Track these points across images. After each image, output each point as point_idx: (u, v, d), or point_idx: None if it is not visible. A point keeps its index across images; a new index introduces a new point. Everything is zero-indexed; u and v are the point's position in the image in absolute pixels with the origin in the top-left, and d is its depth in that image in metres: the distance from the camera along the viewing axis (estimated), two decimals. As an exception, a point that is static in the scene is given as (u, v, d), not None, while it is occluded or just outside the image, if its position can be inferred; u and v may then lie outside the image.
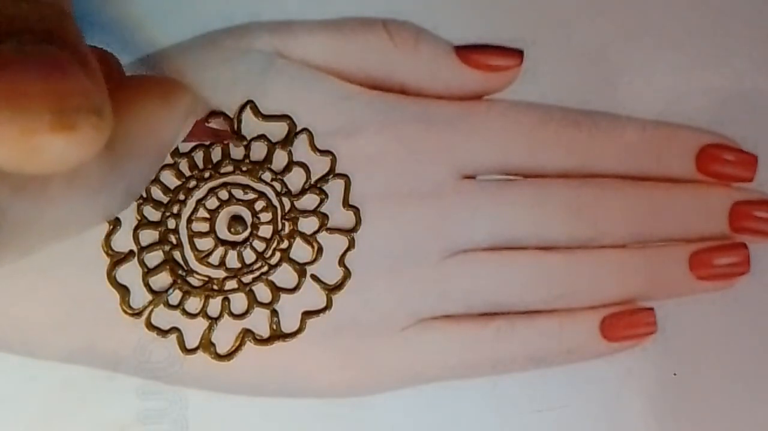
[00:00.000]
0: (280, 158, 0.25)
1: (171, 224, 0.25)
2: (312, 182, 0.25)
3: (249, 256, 0.25)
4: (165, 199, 0.25)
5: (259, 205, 0.25)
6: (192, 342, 0.25)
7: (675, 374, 0.26)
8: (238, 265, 0.25)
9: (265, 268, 0.25)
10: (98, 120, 0.14)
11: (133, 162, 0.17)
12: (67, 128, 0.14)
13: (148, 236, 0.25)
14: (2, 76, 0.13)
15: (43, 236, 0.16)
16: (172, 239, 0.25)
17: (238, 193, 0.25)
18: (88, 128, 0.14)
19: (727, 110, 0.27)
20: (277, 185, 0.25)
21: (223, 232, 0.25)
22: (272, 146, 0.25)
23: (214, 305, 0.25)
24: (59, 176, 0.15)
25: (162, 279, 0.25)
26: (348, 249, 0.25)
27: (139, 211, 0.24)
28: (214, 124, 0.24)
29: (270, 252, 0.25)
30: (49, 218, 0.16)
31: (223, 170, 0.25)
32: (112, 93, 0.15)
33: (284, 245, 0.25)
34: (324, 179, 0.25)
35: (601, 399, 0.26)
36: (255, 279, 0.25)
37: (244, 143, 0.25)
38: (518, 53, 0.26)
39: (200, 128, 0.23)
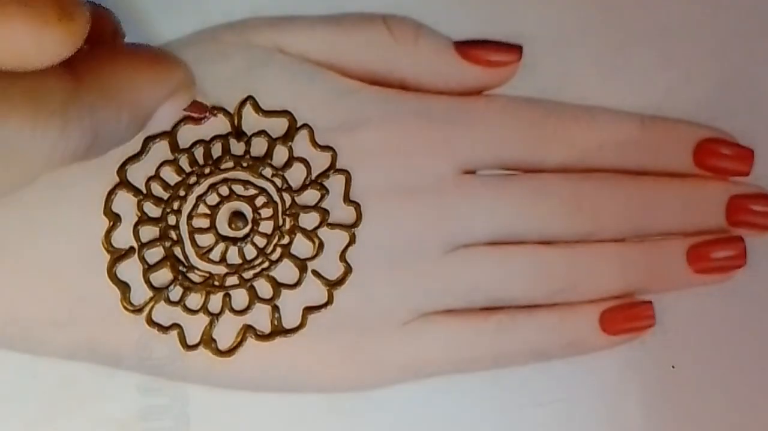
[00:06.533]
0: (280, 154, 0.25)
1: (171, 220, 0.25)
2: (313, 178, 0.25)
3: (250, 252, 0.25)
4: (165, 195, 0.24)
5: (260, 201, 0.25)
6: (193, 338, 0.24)
7: (673, 366, 0.27)
8: (239, 261, 0.25)
9: (266, 264, 0.25)
10: (86, 10, 0.15)
11: (105, 108, 0.18)
12: (69, 18, 0.15)
13: (149, 232, 0.24)
14: None
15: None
16: (173, 235, 0.25)
17: (239, 189, 0.25)
18: (83, 19, 0.15)
19: (724, 105, 0.27)
20: (278, 181, 0.25)
21: (223, 228, 0.25)
22: (273, 142, 0.25)
23: (215, 302, 0.25)
24: (20, 88, 0.16)
25: (163, 276, 0.24)
26: (349, 244, 0.25)
27: (140, 207, 0.24)
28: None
29: (271, 248, 0.25)
30: (3, 139, 0.16)
31: (223, 166, 0.25)
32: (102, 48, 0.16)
33: (285, 240, 0.25)
34: (325, 174, 0.25)
35: (600, 391, 0.26)
36: (256, 275, 0.25)
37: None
38: (517, 49, 0.26)
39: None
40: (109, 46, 0.19)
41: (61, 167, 0.17)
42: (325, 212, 0.25)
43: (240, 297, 0.25)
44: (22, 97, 0.16)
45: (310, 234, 0.25)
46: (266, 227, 0.25)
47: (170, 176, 0.25)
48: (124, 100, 0.18)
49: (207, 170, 0.25)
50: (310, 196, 0.25)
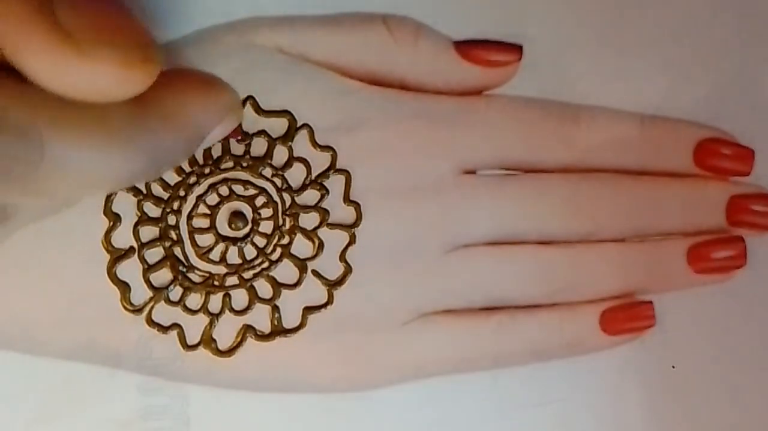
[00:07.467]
0: (280, 154, 0.25)
1: (171, 220, 0.25)
2: (312, 178, 0.25)
3: (250, 252, 0.25)
4: (165, 195, 0.24)
5: (260, 201, 0.25)
6: (193, 338, 0.24)
7: (673, 366, 0.27)
8: (239, 261, 0.25)
9: (266, 264, 0.25)
10: (163, 50, 0.16)
11: (164, 133, 0.18)
12: (151, 61, 0.16)
13: (149, 232, 0.24)
14: (97, 18, 0.15)
15: (66, 183, 0.16)
16: (173, 235, 0.25)
17: (239, 189, 0.25)
18: (161, 59, 0.16)
19: (724, 105, 0.27)
20: (278, 181, 0.25)
21: (223, 228, 0.25)
22: (272, 142, 0.25)
23: (215, 302, 0.25)
24: (92, 114, 0.16)
25: (162, 275, 0.24)
26: (349, 244, 0.25)
27: (140, 207, 0.24)
28: None
29: (271, 248, 0.25)
30: (77, 162, 0.16)
31: (223, 166, 0.25)
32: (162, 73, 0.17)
33: (285, 240, 0.25)
34: (324, 174, 0.25)
35: (600, 392, 0.26)
36: (256, 275, 0.25)
37: (247, 140, 0.25)
38: (518, 48, 0.26)
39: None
40: (165, 70, 0.19)
41: (119, 188, 0.18)
42: (325, 212, 0.25)
43: (240, 297, 0.25)
44: (93, 123, 0.16)
45: (310, 234, 0.25)
46: (266, 227, 0.25)
47: (170, 175, 0.25)
48: (184, 124, 0.19)
49: (207, 170, 0.25)
50: (310, 196, 0.25)
